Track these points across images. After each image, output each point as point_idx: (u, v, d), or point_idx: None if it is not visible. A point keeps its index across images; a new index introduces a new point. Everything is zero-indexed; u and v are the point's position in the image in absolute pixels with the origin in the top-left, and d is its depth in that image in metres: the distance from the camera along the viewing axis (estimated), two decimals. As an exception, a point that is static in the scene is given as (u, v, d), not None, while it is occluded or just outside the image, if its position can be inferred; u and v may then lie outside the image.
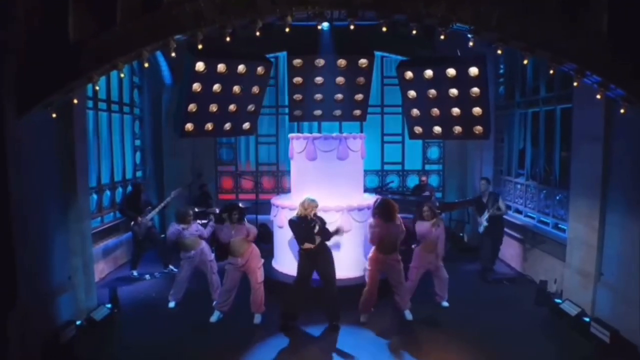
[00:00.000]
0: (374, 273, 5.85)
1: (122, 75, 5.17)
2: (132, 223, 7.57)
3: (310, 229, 5.59)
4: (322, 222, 5.74)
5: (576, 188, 6.24)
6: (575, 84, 4.92)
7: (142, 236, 7.58)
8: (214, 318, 5.97)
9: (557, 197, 7.16)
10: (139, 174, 9.43)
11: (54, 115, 5.01)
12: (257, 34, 4.97)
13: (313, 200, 5.69)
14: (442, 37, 5.03)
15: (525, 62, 5.09)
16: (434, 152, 10.55)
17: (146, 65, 5.20)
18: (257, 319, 5.93)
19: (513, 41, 4.86)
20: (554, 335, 5.66)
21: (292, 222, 5.74)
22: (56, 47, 4.71)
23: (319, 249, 5.69)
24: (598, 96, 4.84)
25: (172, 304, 6.43)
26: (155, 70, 9.26)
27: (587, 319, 5.59)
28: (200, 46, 5.02)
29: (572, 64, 4.72)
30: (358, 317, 5.96)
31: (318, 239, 5.66)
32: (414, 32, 5.06)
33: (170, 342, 5.49)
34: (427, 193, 8.89)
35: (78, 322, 5.56)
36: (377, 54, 9.32)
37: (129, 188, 8.93)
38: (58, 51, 4.72)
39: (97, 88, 5.31)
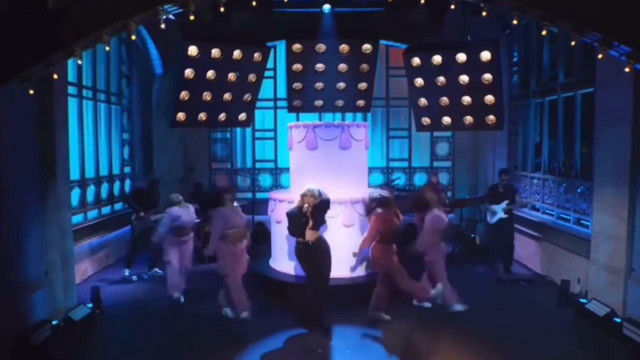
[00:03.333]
0: (393, 265, 5.55)
1: (107, 48, 4.97)
2: (133, 217, 7.37)
3: (306, 223, 5.38)
4: (318, 206, 5.43)
5: (601, 177, 6.00)
6: (600, 56, 4.68)
7: (138, 232, 7.37)
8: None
9: (579, 190, 6.91)
10: (127, 169, 9.21)
11: (31, 92, 4.79)
12: (254, 3, 4.79)
13: (310, 190, 5.46)
14: (452, 6, 4.83)
15: (544, 32, 4.87)
16: (442, 147, 10.32)
17: (133, 37, 5.00)
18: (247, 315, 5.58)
19: (530, 9, 4.65)
20: (581, 337, 5.38)
21: (288, 213, 5.55)
22: (34, 15, 4.50)
23: (316, 244, 5.45)
24: (627, 69, 4.61)
25: (177, 295, 6.15)
26: (145, 59, 9.10)
27: (618, 320, 5.30)
28: (192, 17, 4.81)
29: (596, 33, 4.51)
30: (364, 316, 5.67)
31: (310, 233, 5.43)
32: (422, 1, 4.85)
33: (155, 345, 5.21)
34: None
35: (54, 322, 5.29)
36: (382, 42, 9.18)
37: (128, 182, 8.78)
38: (36, 20, 4.51)
39: (79, 62, 5.07)
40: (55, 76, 4.90)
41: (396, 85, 10.10)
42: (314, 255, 5.45)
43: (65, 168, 5.82)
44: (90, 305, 5.85)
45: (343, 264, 6.38)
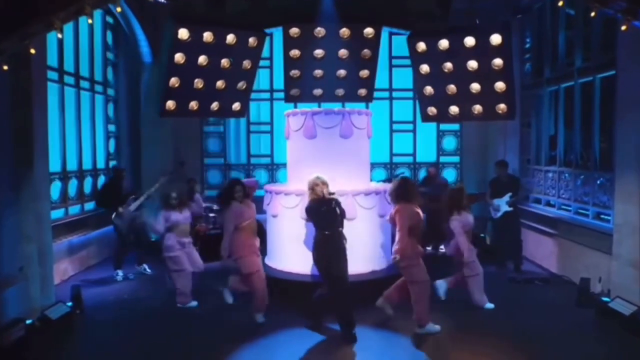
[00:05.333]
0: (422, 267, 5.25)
1: (90, 21, 4.79)
2: (113, 215, 7.12)
3: (332, 211, 5.14)
4: (338, 203, 5.30)
5: (623, 165, 5.82)
6: (623, 27, 4.53)
7: (125, 229, 7.13)
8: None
9: (598, 182, 6.72)
10: (112, 163, 8.99)
11: (5, 68, 4.60)
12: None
13: (318, 177, 5.26)
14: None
15: (561, 3, 4.71)
16: (450, 141, 10.15)
17: (119, 9, 4.85)
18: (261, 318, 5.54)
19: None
20: (604, 338, 5.16)
21: (309, 209, 5.28)
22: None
23: (340, 236, 5.20)
24: (652, 41, 4.46)
25: (194, 304, 6.03)
26: (133, 46, 8.93)
27: (645, 318, 5.08)
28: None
29: (621, 1, 4.36)
30: (373, 316, 5.48)
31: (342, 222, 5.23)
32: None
33: (140, 348, 4.98)
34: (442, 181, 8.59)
35: (29, 321, 5.05)
36: (385, 29, 9.03)
37: (102, 177, 8.57)
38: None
39: (59, 36, 4.87)
40: (32, 51, 4.71)
41: (400, 76, 9.95)
42: (338, 248, 5.14)
43: (43, 154, 5.61)
44: (69, 304, 5.62)
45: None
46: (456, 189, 6.18)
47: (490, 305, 5.90)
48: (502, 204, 7.50)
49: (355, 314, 5.10)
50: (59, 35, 4.69)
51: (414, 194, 5.31)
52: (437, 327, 5.19)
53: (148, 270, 7.39)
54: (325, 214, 5.14)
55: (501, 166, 7.77)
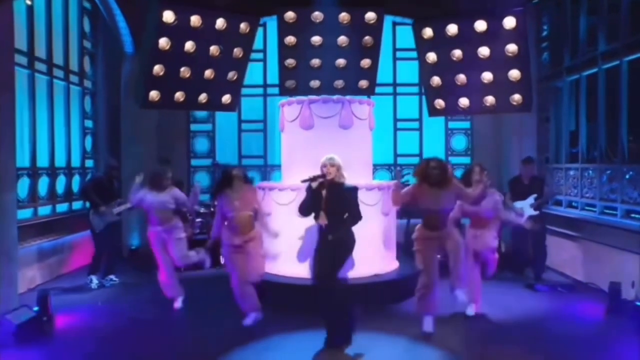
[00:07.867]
0: (425, 254, 5.08)
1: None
2: (92, 212, 6.90)
3: (319, 197, 4.76)
4: (347, 192, 4.82)
5: (654, 153, 5.63)
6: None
7: (99, 229, 6.93)
8: None
9: (627, 176, 6.51)
10: (89, 163, 8.77)
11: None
12: None
13: (330, 158, 4.82)
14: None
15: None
16: (459, 141, 9.95)
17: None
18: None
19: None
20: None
21: (307, 189, 4.89)
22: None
23: (335, 231, 4.76)
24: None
25: (178, 305, 6.01)
26: (114, 35, 8.79)
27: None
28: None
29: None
30: (373, 323, 5.23)
31: (322, 217, 4.76)
32: None
33: (119, 357, 4.75)
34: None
35: (-14, 327, 4.77)
36: (388, 18, 8.96)
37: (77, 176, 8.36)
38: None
39: (29, 3, 4.72)
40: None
41: (405, 69, 9.83)
42: (338, 245, 4.78)
43: (9, 139, 5.34)
44: (35, 308, 5.32)
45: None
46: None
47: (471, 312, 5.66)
48: (526, 207, 7.12)
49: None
50: (28, 2, 4.52)
51: (439, 173, 5.00)
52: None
53: (115, 279, 7.18)
54: (314, 200, 4.78)
55: (527, 164, 7.46)
